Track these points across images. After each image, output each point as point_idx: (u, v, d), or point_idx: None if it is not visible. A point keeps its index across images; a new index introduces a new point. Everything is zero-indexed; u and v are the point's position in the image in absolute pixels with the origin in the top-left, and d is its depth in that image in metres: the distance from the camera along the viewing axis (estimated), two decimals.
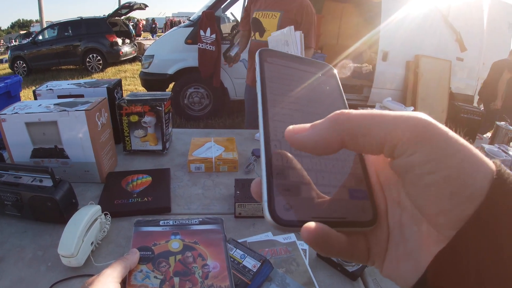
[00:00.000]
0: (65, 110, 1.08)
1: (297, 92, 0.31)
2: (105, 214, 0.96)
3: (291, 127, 0.25)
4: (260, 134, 0.27)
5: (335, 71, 0.35)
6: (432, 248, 0.22)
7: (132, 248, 0.62)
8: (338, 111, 0.24)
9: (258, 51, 0.32)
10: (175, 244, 0.65)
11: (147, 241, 0.64)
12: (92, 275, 0.81)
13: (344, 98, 0.33)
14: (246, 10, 2.61)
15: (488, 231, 0.20)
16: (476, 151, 0.21)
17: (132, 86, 7.66)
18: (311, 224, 0.23)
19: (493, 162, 0.21)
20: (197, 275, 0.60)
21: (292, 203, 0.24)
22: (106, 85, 1.39)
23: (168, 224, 0.69)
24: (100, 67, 9.69)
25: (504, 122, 2.27)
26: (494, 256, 0.19)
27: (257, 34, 2.45)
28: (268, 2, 2.37)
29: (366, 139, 0.23)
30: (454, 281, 0.21)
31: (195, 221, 0.70)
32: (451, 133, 0.21)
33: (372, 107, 3.29)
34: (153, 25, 21.63)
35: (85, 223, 0.85)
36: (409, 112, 0.22)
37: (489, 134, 2.27)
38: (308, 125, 0.25)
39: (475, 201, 0.20)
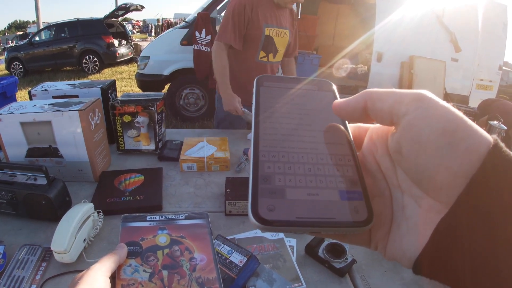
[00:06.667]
0: (59, 110, 1.10)
1: (290, 107, 0.33)
2: (98, 212, 0.98)
3: (336, 101, 0.31)
4: (251, 146, 0.29)
5: (333, 86, 0.37)
6: (434, 219, 0.23)
7: (120, 243, 0.63)
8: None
9: (256, 79, 0.36)
10: (162, 238, 0.67)
11: (134, 236, 0.66)
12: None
13: None
14: (240, 20, 1.84)
15: (488, 197, 0.20)
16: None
17: (128, 87, 7.65)
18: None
19: (491, 136, 0.22)
20: (185, 267, 0.62)
21: (276, 204, 0.25)
22: (100, 86, 1.42)
23: (154, 219, 0.70)
24: (97, 68, 9.64)
25: (497, 122, 2.29)
26: (489, 222, 0.20)
27: (271, 55, 2.02)
28: (277, 17, 1.94)
29: (381, 103, 0.27)
30: (453, 247, 0.21)
31: (181, 216, 0.72)
32: (451, 107, 0.24)
33: None
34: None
35: (78, 220, 0.87)
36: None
37: None
38: None
39: (473, 157, 0.21)
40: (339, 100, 0.31)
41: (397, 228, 0.27)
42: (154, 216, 0.71)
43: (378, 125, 0.31)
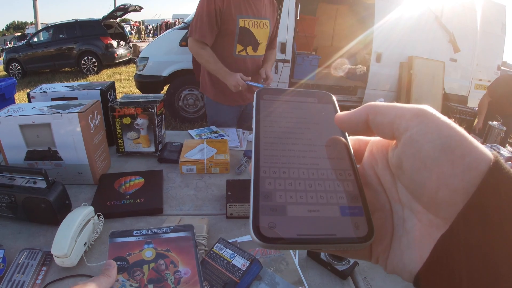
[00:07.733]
0: (58, 113, 1.09)
1: (290, 122, 0.34)
2: (98, 215, 0.97)
3: (338, 114, 0.31)
4: (252, 162, 0.29)
5: (333, 97, 0.37)
6: (434, 234, 0.24)
7: (108, 259, 0.66)
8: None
9: (256, 92, 0.36)
10: (148, 253, 0.69)
11: (122, 252, 0.68)
12: (85, 275, 0.83)
13: None
14: (210, 13, 1.79)
15: (488, 215, 0.20)
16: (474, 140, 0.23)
17: (127, 88, 7.64)
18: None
19: (491, 152, 0.23)
20: (170, 281, 0.65)
21: (277, 221, 0.25)
22: (99, 88, 1.41)
23: (141, 234, 0.73)
24: (95, 69, 9.65)
25: (496, 122, 2.30)
26: (489, 240, 0.20)
27: (249, 48, 1.94)
28: (254, 7, 1.87)
29: (382, 117, 0.27)
30: (453, 264, 0.21)
31: (167, 230, 0.75)
32: (452, 122, 0.24)
33: None
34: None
35: (78, 224, 0.86)
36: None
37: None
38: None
39: (474, 174, 0.21)
40: (341, 113, 0.31)
41: (398, 242, 0.27)
42: (141, 231, 0.74)
43: (378, 138, 0.31)
